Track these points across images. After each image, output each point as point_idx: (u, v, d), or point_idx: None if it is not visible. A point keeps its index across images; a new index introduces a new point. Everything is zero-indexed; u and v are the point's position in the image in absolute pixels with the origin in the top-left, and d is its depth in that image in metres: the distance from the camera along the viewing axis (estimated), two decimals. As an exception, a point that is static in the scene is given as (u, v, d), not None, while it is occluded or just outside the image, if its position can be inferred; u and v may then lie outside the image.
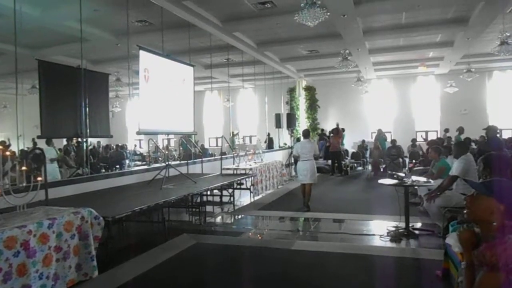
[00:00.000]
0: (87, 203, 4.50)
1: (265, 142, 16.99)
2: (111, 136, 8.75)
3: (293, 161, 13.82)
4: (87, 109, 6.66)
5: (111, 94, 14.01)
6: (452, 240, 3.44)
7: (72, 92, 6.47)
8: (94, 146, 14.81)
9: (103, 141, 16.21)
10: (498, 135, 9.46)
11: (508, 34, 9.13)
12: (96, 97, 7.09)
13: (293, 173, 14.14)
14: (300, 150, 7.87)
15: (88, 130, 6.76)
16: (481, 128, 10.72)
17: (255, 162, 9.88)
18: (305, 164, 7.78)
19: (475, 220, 1.93)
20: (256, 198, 8.82)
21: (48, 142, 8.96)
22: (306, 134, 8.29)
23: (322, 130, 18.38)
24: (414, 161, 11.00)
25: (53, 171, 8.35)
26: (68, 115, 6.49)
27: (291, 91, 19.07)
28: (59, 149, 11.60)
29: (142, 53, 6.56)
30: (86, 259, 3.89)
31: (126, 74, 10.65)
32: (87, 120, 6.70)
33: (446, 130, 14.00)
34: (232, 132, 15.90)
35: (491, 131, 8.44)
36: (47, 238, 3.48)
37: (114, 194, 6.01)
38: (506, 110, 17.49)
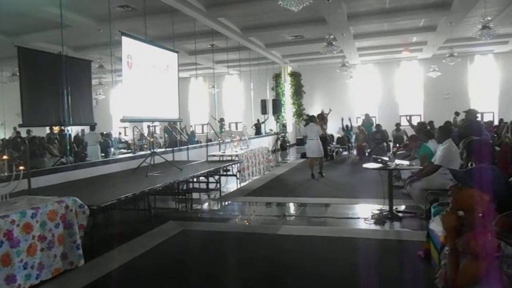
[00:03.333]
0: (71, 192, 4.46)
1: (253, 127, 17.00)
2: (95, 124, 8.64)
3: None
4: (70, 96, 6.54)
5: (94, 81, 13.82)
6: (436, 225, 3.52)
7: (54, 79, 6.34)
8: (78, 134, 14.62)
9: (87, 129, 15.99)
10: (478, 119, 9.63)
11: (490, 18, 9.25)
12: (78, 84, 6.97)
13: (279, 159, 14.23)
14: (309, 132, 9.62)
15: (71, 118, 6.66)
16: (462, 112, 10.90)
17: (241, 149, 9.89)
18: (312, 143, 9.52)
19: (460, 209, 1.96)
20: (242, 184, 8.85)
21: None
22: (312, 119, 10.07)
23: (307, 115, 18.42)
24: (398, 145, 11.15)
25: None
26: (50, 103, 6.37)
27: (277, 77, 19.05)
28: (42, 138, 11.44)
29: (124, 39, 6.44)
30: (72, 248, 3.88)
31: (109, 61, 10.50)
32: (70, 108, 6.59)
33: (457, 113, 14.12)
34: (222, 118, 15.85)
35: (471, 114, 8.58)
36: (30, 228, 3.45)
37: (99, 183, 5.97)
38: (487, 93, 17.81)
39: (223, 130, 14.40)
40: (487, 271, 1.71)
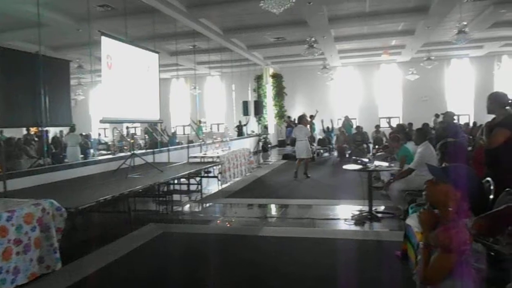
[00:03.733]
0: (48, 194, 4.37)
1: (235, 129, 17.00)
2: (73, 125, 8.48)
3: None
4: (47, 97, 6.40)
5: (73, 82, 13.59)
6: (412, 221, 3.60)
7: (31, 79, 6.19)
8: (56, 136, 14.33)
9: (66, 130, 15.70)
10: (455, 121, 9.86)
11: (465, 23, 9.49)
12: (56, 84, 6.82)
13: (261, 161, 14.26)
14: (298, 133, 9.81)
15: (48, 119, 6.52)
16: (441, 114, 11.14)
17: (223, 150, 9.87)
18: (302, 144, 9.70)
19: (434, 204, 2.03)
20: (224, 186, 8.83)
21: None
22: (301, 120, 10.13)
23: (289, 117, 18.58)
24: (377, 146, 11.32)
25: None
26: (27, 104, 6.22)
27: (258, 78, 19.08)
28: (19, 139, 11.18)
29: (104, 39, 6.35)
30: (49, 251, 3.80)
31: (88, 61, 10.33)
32: (47, 109, 6.45)
33: (437, 115, 14.38)
34: (199, 120, 15.78)
35: (448, 117, 8.78)
36: (5, 231, 3.37)
37: (78, 185, 5.85)
38: (463, 96, 18.28)
39: (201, 132, 14.34)
40: (457, 264, 1.77)
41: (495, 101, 3.86)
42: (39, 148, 9.89)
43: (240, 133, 16.91)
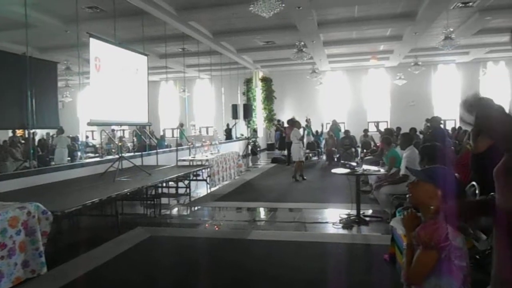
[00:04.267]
0: (34, 197, 4.31)
1: (224, 133, 16.98)
2: (60, 127, 8.38)
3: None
4: (34, 99, 6.33)
5: (60, 84, 13.45)
6: (396, 223, 3.65)
7: (17, 81, 6.13)
8: (43, 138, 14.16)
9: (53, 133, 15.52)
10: (441, 126, 9.99)
11: (452, 30, 9.64)
12: (43, 86, 6.77)
13: (250, 164, 14.26)
14: (294, 137, 10.08)
15: (34, 121, 6.44)
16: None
17: (212, 153, 9.85)
18: (296, 146, 10.00)
19: (417, 204, 2.07)
20: (212, 189, 8.81)
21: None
22: (296, 123, 10.59)
23: (278, 120, 18.64)
24: (365, 150, 11.40)
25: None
26: (13, 105, 6.15)
27: (248, 82, 19.10)
28: (4, 141, 11.02)
29: (92, 41, 6.30)
30: (34, 255, 3.74)
31: (76, 63, 10.23)
32: (34, 111, 6.37)
33: (428, 120, 14.48)
34: (181, 124, 15.69)
35: (435, 122, 8.90)
36: (-10, 235, 3.32)
37: (64, 188, 5.78)
38: (449, 101, 18.54)
39: (184, 135, 14.27)
40: (438, 261, 1.80)
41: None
42: (25, 150, 9.76)
43: (229, 137, 16.89)
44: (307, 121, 14.07)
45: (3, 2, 8.23)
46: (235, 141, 16.34)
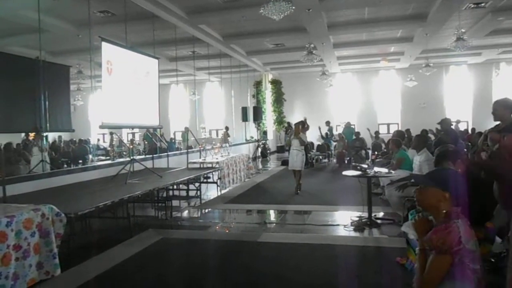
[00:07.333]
0: (48, 199, 4.37)
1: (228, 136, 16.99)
2: (73, 130, 8.49)
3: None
4: (46, 102, 6.42)
5: (72, 87, 13.57)
6: (407, 227, 3.61)
7: (30, 84, 6.24)
8: (55, 141, 14.32)
9: (65, 136, 15.71)
10: (452, 127, 9.87)
11: (464, 31, 9.53)
12: (56, 89, 6.88)
13: (260, 166, 14.25)
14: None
15: (47, 124, 6.53)
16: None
17: (222, 156, 9.87)
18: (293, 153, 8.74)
19: (426, 209, 2.05)
20: (223, 191, 8.82)
21: None
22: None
23: (288, 123, 18.59)
24: (376, 152, 11.32)
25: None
26: (26, 109, 6.26)
27: (258, 84, 19.12)
28: (18, 144, 11.15)
29: (104, 45, 6.38)
30: (48, 257, 3.78)
31: (88, 67, 10.33)
32: (47, 114, 6.46)
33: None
34: (186, 127, 15.71)
35: (446, 123, 8.79)
36: (5, 237, 3.36)
37: (77, 190, 5.84)
38: (461, 103, 18.35)
39: (187, 139, 14.26)
40: (452, 265, 1.77)
41: (504, 107, 3.88)
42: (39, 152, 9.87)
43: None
44: (327, 123, 13.79)
45: (17, 7, 8.37)
46: (244, 143, 16.35)
